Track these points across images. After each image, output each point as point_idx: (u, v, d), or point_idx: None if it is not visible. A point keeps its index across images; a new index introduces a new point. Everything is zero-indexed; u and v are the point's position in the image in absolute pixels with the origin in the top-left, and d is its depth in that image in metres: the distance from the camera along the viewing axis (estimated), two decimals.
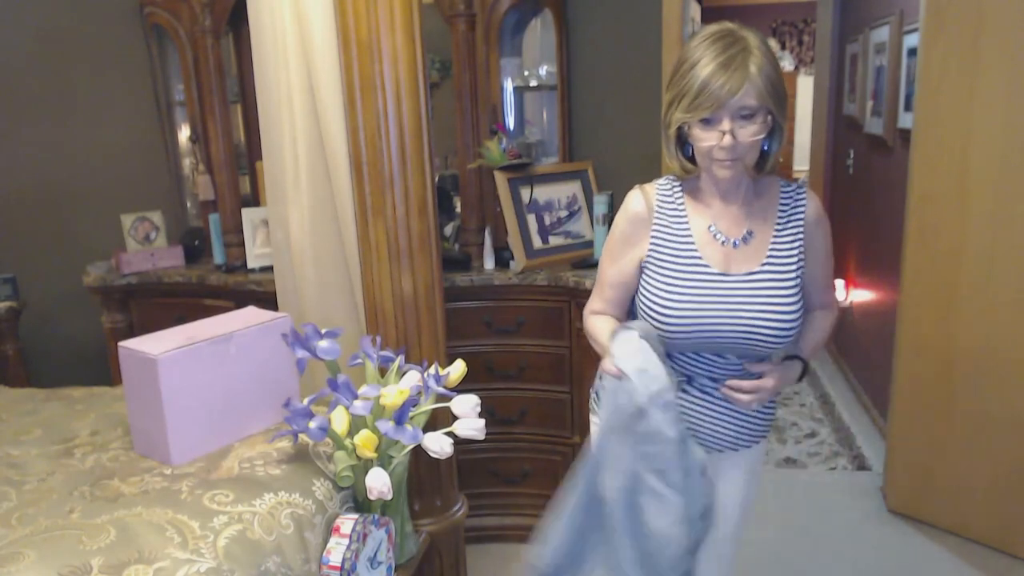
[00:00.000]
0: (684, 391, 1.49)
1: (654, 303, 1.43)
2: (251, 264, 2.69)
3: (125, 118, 2.99)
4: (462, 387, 1.71)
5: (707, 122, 1.33)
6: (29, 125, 2.99)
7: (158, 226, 2.89)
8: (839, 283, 4.23)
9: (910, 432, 2.74)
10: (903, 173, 2.83)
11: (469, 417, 1.66)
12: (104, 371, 2.85)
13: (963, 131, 2.47)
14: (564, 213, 2.65)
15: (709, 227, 1.45)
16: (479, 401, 1.68)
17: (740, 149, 1.33)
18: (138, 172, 3.02)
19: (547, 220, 2.61)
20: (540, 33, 2.75)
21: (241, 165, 2.85)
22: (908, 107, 3.04)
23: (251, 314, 1.86)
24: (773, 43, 7.83)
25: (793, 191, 1.48)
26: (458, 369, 1.72)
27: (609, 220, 2.67)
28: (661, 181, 1.52)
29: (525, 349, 2.55)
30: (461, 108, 2.55)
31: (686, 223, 1.46)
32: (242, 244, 2.73)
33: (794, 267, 1.43)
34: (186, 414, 1.63)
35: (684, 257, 1.44)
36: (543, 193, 2.62)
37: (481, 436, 1.67)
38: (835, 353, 4.38)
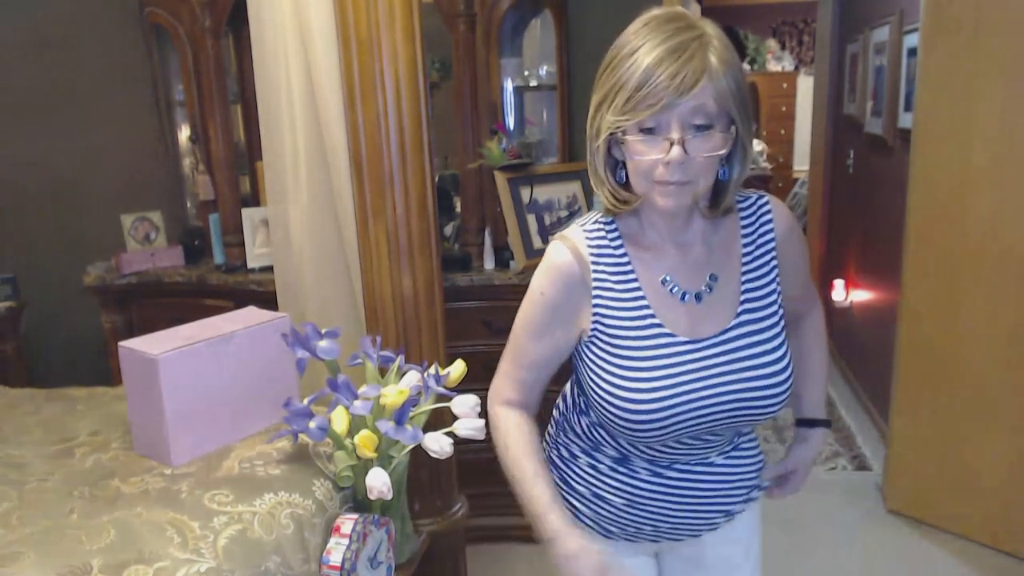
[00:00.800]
0: (654, 476, 1.18)
1: (613, 395, 1.09)
2: (251, 264, 2.69)
3: (125, 118, 2.99)
4: (462, 387, 1.71)
5: (649, 131, 0.99)
6: (29, 125, 2.99)
7: (158, 226, 2.88)
8: (838, 283, 4.23)
9: (910, 432, 2.74)
10: (903, 173, 2.83)
11: (469, 417, 1.66)
12: (104, 371, 2.85)
13: (963, 131, 2.47)
14: (564, 213, 2.65)
15: (662, 280, 1.11)
16: (479, 401, 1.68)
17: (692, 169, 0.99)
18: (138, 172, 3.02)
19: (547, 220, 2.61)
20: (540, 33, 2.75)
21: (241, 165, 2.85)
22: (908, 107, 3.04)
23: (251, 314, 1.86)
24: (773, 43, 7.82)
25: (753, 206, 1.15)
26: (458, 369, 1.72)
27: None
28: (586, 226, 1.14)
29: None
30: (461, 108, 2.55)
31: (633, 278, 1.11)
32: (242, 244, 2.73)
33: (774, 307, 1.12)
34: (186, 414, 1.63)
35: (639, 327, 1.10)
36: (543, 193, 2.62)
37: (481, 436, 1.67)
38: (835, 353, 4.38)
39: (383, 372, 1.70)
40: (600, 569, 1.10)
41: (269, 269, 2.57)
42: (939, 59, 2.52)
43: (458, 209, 2.72)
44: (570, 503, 1.28)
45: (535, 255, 2.54)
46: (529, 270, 2.49)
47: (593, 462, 1.23)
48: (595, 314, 1.12)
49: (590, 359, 1.13)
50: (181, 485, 1.53)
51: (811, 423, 1.32)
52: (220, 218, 2.76)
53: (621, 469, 1.20)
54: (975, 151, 2.45)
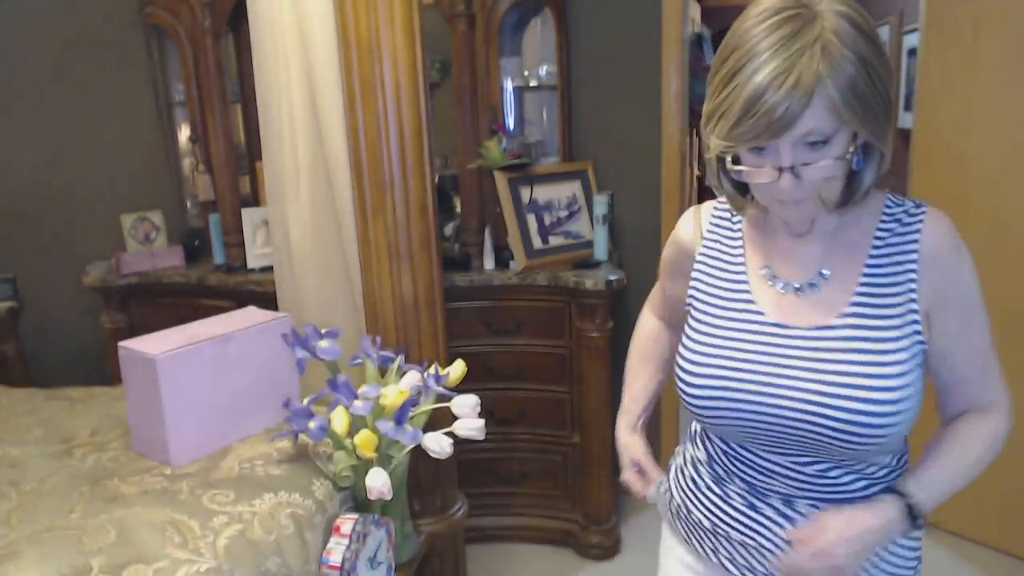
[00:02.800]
0: (750, 510, 1.06)
1: (682, 357, 1.06)
2: (251, 264, 2.69)
3: (125, 118, 2.99)
4: (462, 387, 1.71)
5: (759, 150, 0.91)
6: (29, 125, 2.98)
7: (158, 226, 2.88)
8: None
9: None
10: (903, 173, 2.83)
11: (469, 417, 1.66)
12: (104, 371, 2.85)
13: (963, 131, 2.47)
14: (564, 213, 2.65)
15: (762, 268, 1.05)
16: (479, 401, 1.68)
17: (809, 187, 0.91)
18: (138, 172, 3.01)
19: (547, 220, 2.61)
20: (540, 33, 2.75)
21: (241, 165, 2.85)
22: (908, 107, 3.04)
23: (251, 314, 1.86)
24: None
25: (902, 212, 1.00)
26: (458, 369, 1.72)
27: (609, 220, 2.67)
28: (721, 198, 1.11)
29: (525, 349, 2.55)
30: (461, 108, 2.55)
31: (741, 259, 1.07)
32: (242, 244, 2.73)
33: (898, 324, 0.95)
34: (186, 414, 1.63)
35: (731, 299, 1.05)
36: (543, 193, 2.61)
37: (481, 436, 1.67)
38: None
39: (383, 372, 1.70)
40: (635, 463, 1.19)
41: (269, 269, 2.57)
42: (939, 59, 2.52)
43: (458, 209, 2.71)
44: (677, 496, 1.21)
45: (535, 255, 2.54)
46: (529, 270, 2.49)
47: (700, 468, 1.16)
48: (692, 283, 1.11)
49: (684, 331, 1.11)
50: (181, 485, 1.53)
51: (894, 495, 1.01)
52: (220, 218, 2.76)
53: (720, 484, 1.12)
54: (975, 151, 2.45)
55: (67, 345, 3.10)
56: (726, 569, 1.13)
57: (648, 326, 1.32)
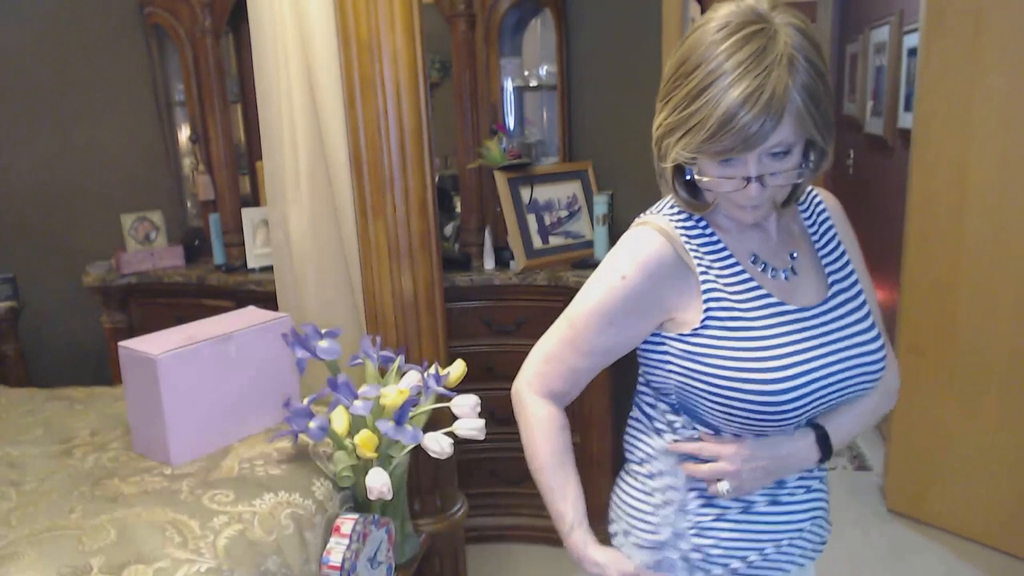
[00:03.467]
0: (775, 504, 1.11)
1: (743, 379, 1.01)
2: (251, 264, 2.69)
3: (125, 118, 2.99)
4: (462, 387, 1.71)
5: (725, 162, 0.96)
6: (29, 125, 2.98)
7: (158, 226, 2.88)
8: None
9: (910, 432, 2.74)
10: (903, 173, 2.83)
11: (469, 417, 1.66)
12: (104, 371, 2.85)
13: (963, 131, 2.47)
14: (564, 213, 2.65)
15: (751, 259, 1.07)
16: (479, 401, 1.68)
17: (768, 194, 0.98)
18: (138, 172, 3.02)
19: (547, 220, 2.61)
20: (540, 33, 2.75)
21: (241, 165, 2.85)
22: (908, 107, 3.04)
23: (251, 314, 1.86)
24: None
25: (804, 196, 1.15)
26: (458, 369, 1.72)
27: (610, 220, 2.67)
28: (664, 209, 1.10)
29: (525, 349, 2.51)
30: (461, 108, 2.55)
31: (728, 254, 1.07)
32: (242, 244, 2.73)
33: (858, 285, 1.11)
34: (186, 414, 1.63)
35: (751, 299, 1.04)
36: (543, 193, 2.62)
37: (481, 436, 1.67)
38: None
39: (383, 372, 1.70)
40: None
41: (269, 269, 2.57)
42: (939, 59, 2.52)
43: (458, 209, 2.71)
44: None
45: (535, 255, 2.54)
46: (529, 270, 2.49)
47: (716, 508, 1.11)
48: (707, 299, 1.03)
49: (702, 349, 1.03)
50: (181, 485, 1.53)
51: (815, 427, 1.09)
52: (220, 218, 2.76)
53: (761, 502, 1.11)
54: (975, 151, 2.45)
55: (67, 345, 3.10)
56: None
57: (546, 413, 1.19)
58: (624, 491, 1.21)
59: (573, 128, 2.76)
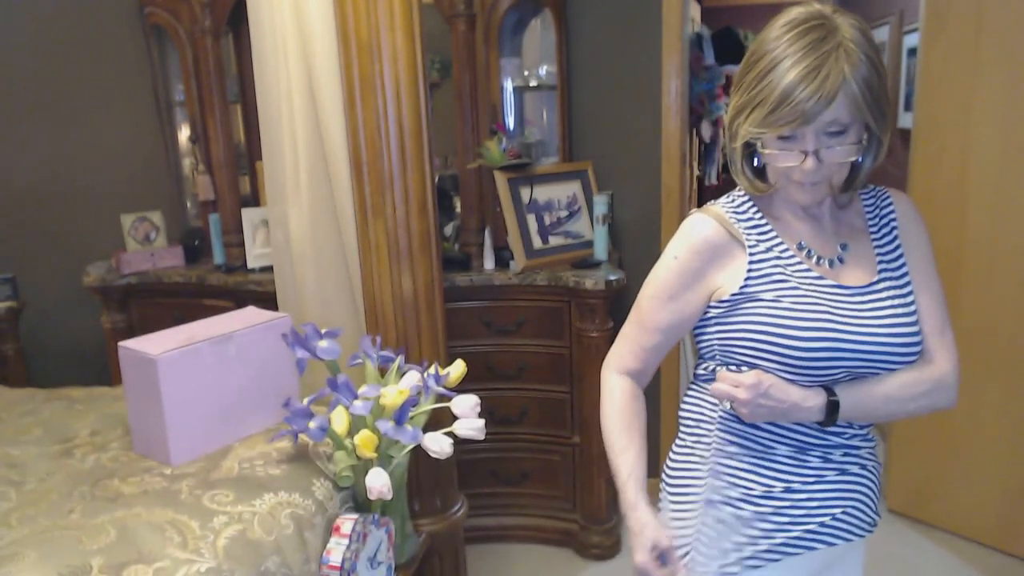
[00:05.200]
0: (797, 466, 1.19)
1: (781, 327, 1.13)
2: (251, 264, 2.69)
3: (125, 118, 2.99)
4: (462, 387, 1.71)
5: (786, 138, 1.08)
6: (29, 125, 2.98)
7: (158, 226, 2.88)
8: None
9: (910, 432, 2.74)
10: (903, 173, 2.83)
11: (469, 417, 1.66)
12: (104, 371, 2.85)
13: (963, 131, 2.47)
14: (564, 213, 2.65)
15: (799, 245, 1.19)
16: (479, 401, 1.68)
17: (825, 171, 1.09)
18: (138, 172, 3.01)
19: (547, 220, 2.61)
20: (540, 33, 2.75)
21: (241, 165, 2.85)
22: (908, 107, 3.04)
23: (251, 314, 1.86)
24: None
25: (874, 195, 1.24)
26: (458, 369, 1.72)
27: (610, 220, 2.67)
28: (725, 201, 1.24)
29: (525, 349, 2.55)
30: (461, 108, 2.55)
31: (776, 237, 1.19)
32: (242, 244, 2.73)
33: (907, 280, 1.19)
34: (186, 414, 1.63)
35: (794, 273, 1.16)
36: (543, 193, 2.62)
37: (481, 436, 1.67)
38: None
39: (383, 372, 1.70)
40: (654, 547, 1.16)
41: (269, 269, 2.57)
42: (939, 59, 2.52)
43: (458, 209, 2.71)
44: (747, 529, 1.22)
45: (535, 255, 2.54)
46: (529, 270, 2.49)
47: (734, 456, 1.21)
48: (750, 269, 1.17)
49: (741, 307, 1.16)
50: (181, 485, 1.53)
51: (829, 392, 1.14)
52: (220, 218, 2.76)
53: (764, 460, 1.20)
54: (975, 151, 2.45)
55: (67, 345, 3.10)
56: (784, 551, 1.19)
57: (618, 384, 1.27)
58: (672, 452, 1.32)
59: (573, 128, 2.76)
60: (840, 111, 1.04)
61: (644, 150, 2.73)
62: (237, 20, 2.62)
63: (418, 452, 1.63)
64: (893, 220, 1.22)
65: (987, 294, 2.47)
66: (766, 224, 1.20)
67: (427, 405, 1.65)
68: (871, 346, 1.13)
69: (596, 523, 2.60)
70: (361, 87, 1.72)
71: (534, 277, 2.47)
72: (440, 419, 1.69)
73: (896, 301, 1.17)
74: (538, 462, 2.64)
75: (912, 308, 1.18)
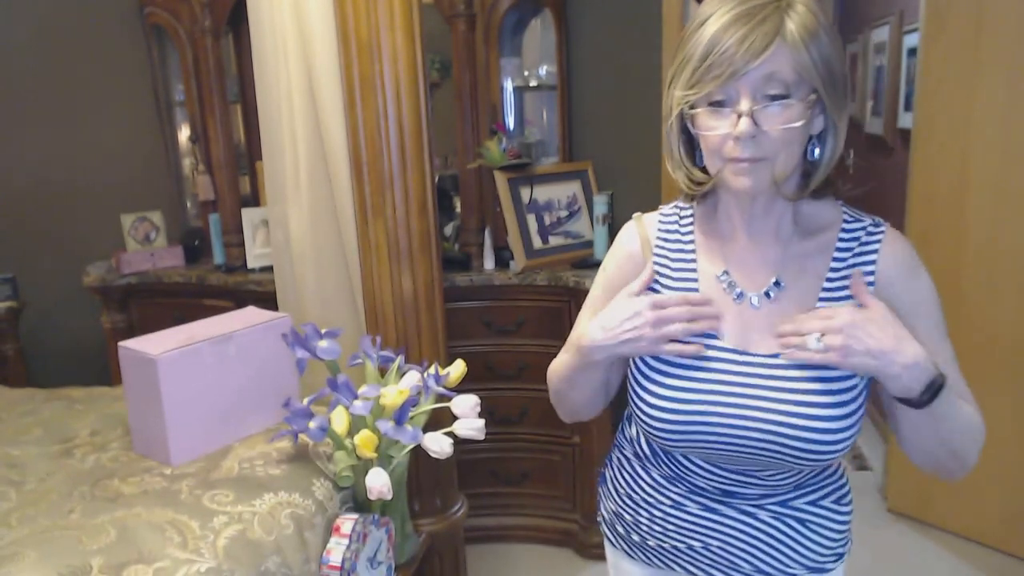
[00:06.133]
0: (685, 504, 1.08)
1: (635, 388, 1.03)
2: (251, 264, 2.69)
3: (125, 118, 2.99)
4: (462, 387, 1.71)
5: (718, 104, 0.90)
6: (29, 125, 2.98)
7: (158, 226, 2.88)
8: None
9: None
10: (903, 173, 2.83)
11: (469, 417, 1.66)
12: (104, 371, 2.85)
13: (963, 131, 2.47)
14: (564, 213, 2.65)
15: (720, 274, 1.01)
16: (479, 401, 1.68)
17: (766, 144, 0.89)
18: (138, 172, 3.01)
19: (547, 220, 2.61)
20: (540, 33, 2.75)
21: (241, 165, 2.85)
22: (908, 107, 3.04)
23: (251, 314, 1.86)
24: None
25: (861, 230, 0.98)
26: (458, 369, 1.72)
27: (610, 220, 2.67)
28: (665, 209, 1.10)
29: (525, 349, 2.55)
30: (461, 108, 2.55)
31: (692, 268, 1.03)
32: (242, 244, 2.73)
33: None
34: (186, 414, 1.63)
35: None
36: (543, 193, 2.61)
37: (481, 436, 1.67)
38: None
39: (383, 372, 1.70)
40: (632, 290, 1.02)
41: (269, 269, 2.57)
42: (939, 59, 2.52)
43: (458, 209, 2.71)
44: (613, 506, 1.22)
45: (535, 255, 2.54)
46: (529, 270, 2.49)
47: (641, 472, 1.16)
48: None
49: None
50: (181, 485, 1.53)
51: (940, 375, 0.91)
52: (220, 218, 2.76)
53: (667, 487, 1.11)
54: (975, 151, 2.45)
55: (67, 345, 3.10)
56: (689, 572, 1.14)
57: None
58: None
59: (573, 128, 2.76)
60: (779, 63, 0.86)
61: (644, 150, 2.72)
62: (237, 20, 2.62)
63: (418, 452, 1.63)
64: (871, 266, 0.96)
65: (987, 294, 2.47)
66: (690, 244, 1.04)
67: (427, 405, 1.65)
68: (756, 436, 0.95)
69: (596, 523, 2.60)
70: (361, 87, 1.72)
71: (534, 277, 2.47)
72: (440, 419, 1.69)
73: (813, 381, 0.93)
74: (538, 462, 2.64)
75: (838, 391, 0.93)
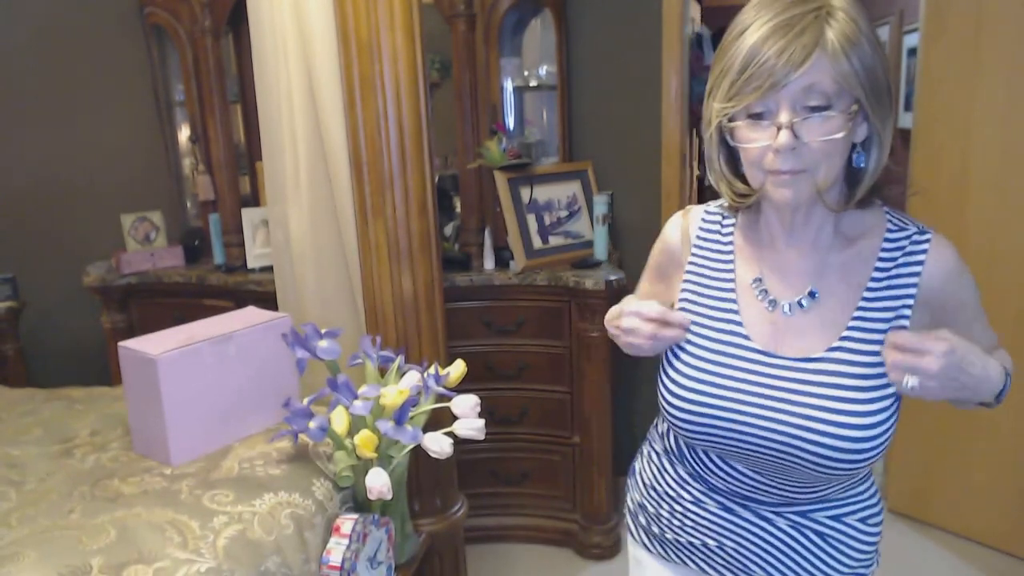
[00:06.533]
0: (705, 502, 1.10)
1: (663, 379, 1.05)
2: (251, 264, 2.69)
3: (125, 118, 2.99)
4: (462, 387, 1.71)
5: (758, 117, 0.89)
6: (29, 125, 2.98)
7: (158, 226, 2.88)
8: None
9: (910, 432, 2.74)
10: (903, 173, 2.83)
11: (469, 417, 1.66)
12: (104, 371, 2.85)
13: (963, 131, 2.47)
14: (564, 213, 2.65)
15: (753, 281, 1.02)
16: (479, 401, 1.68)
17: (807, 156, 0.87)
18: (138, 172, 3.01)
19: (547, 220, 2.61)
20: (540, 33, 2.75)
21: (241, 165, 2.85)
22: (908, 107, 3.04)
23: (251, 314, 1.86)
24: None
25: (907, 238, 0.96)
26: (458, 369, 1.72)
27: (610, 220, 2.67)
28: (712, 207, 1.10)
29: (525, 349, 2.55)
30: (461, 108, 2.55)
31: (731, 271, 1.04)
32: (242, 244, 2.73)
33: (877, 357, 0.93)
34: (186, 414, 1.63)
35: (718, 319, 1.02)
36: (543, 193, 2.62)
37: (481, 436, 1.67)
38: None
39: (383, 372, 1.70)
40: (652, 317, 1.02)
41: (269, 269, 2.57)
42: (939, 59, 2.52)
43: (458, 209, 2.71)
44: (638, 497, 1.23)
45: (535, 255, 2.54)
46: (529, 270, 2.49)
47: (668, 466, 1.17)
48: (682, 294, 1.07)
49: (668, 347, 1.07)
50: (181, 485, 1.53)
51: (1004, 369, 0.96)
52: (220, 218, 2.76)
53: (690, 484, 1.12)
54: (975, 151, 2.45)
55: (67, 345, 3.10)
56: (702, 571, 1.15)
57: None
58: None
59: (573, 128, 2.76)
60: (819, 74, 0.84)
61: (644, 150, 2.73)
62: (237, 20, 2.62)
63: (418, 452, 1.63)
64: (912, 281, 0.94)
65: (987, 294, 2.45)
66: (729, 247, 1.05)
67: (427, 405, 1.65)
68: (778, 439, 0.95)
69: (596, 523, 2.60)
70: (361, 87, 1.72)
71: (534, 277, 2.47)
72: (440, 419, 1.69)
73: (841, 389, 0.93)
74: (538, 462, 2.64)
75: (869, 400, 0.93)
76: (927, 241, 0.96)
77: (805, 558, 1.07)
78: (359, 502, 1.67)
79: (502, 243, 2.58)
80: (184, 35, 2.66)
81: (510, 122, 2.71)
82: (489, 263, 2.56)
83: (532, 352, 2.54)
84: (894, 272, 0.96)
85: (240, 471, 1.59)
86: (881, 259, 0.96)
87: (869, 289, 0.96)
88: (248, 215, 2.67)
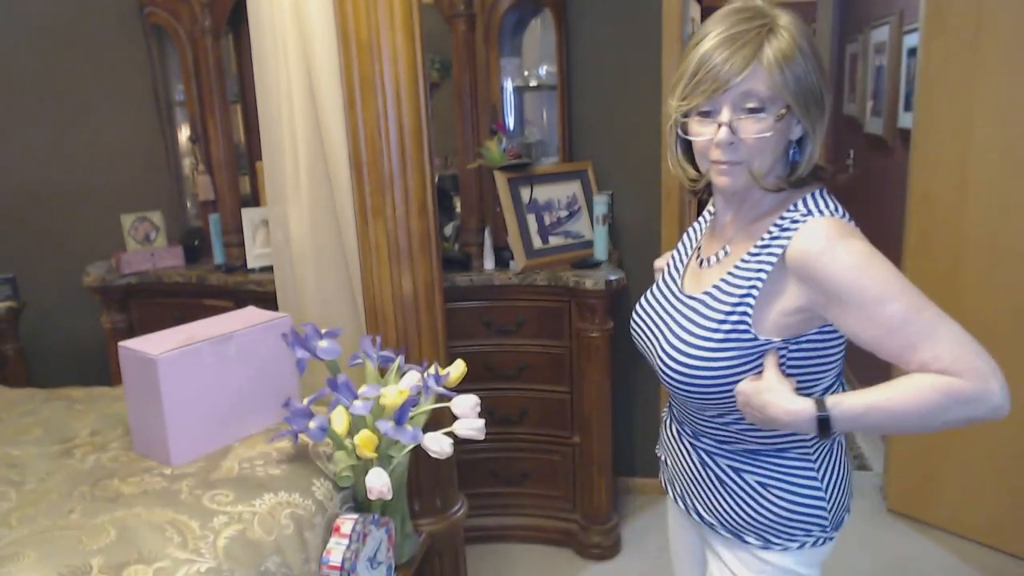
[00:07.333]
0: (670, 422, 1.35)
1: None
2: (251, 264, 2.69)
3: (125, 118, 2.99)
4: (462, 387, 1.71)
5: (705, 114, 1.06)
6: (29, 125, 2.98)
7: (158, 226, 2.88)
8: None
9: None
10: (903, 173, 2.83)
11: (469, 417, 1.66)
12: (104, 371, 2.85)
13: (963, 131, 2.47)
14: (564, 213, 2.65)
15: (699, 247, 1.28)
16: (479, 401, 1.68)
17: (742, 150, 1.05)
18: (138, 172, 3.02)
19: (547, 220, 2.61)
20: (540, 33, 2.75)
21: (241, 165, 2.85)
22: (908, 107, 3.04)
23: (251, 314, 1.86)
24: None
25: (790, 220, 1.08)
26: (458, 369, 1.72)
27: (610, 220, 2.67)
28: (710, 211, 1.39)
29: (525, 349, 2.55)
30: (461, 108, 2.55)
31: (693, 234, 1.34)
32: (242, 244, 2.73)
33: (725, 311, 1.10)
34: (186, 414, 1.63)
35: (671, 272, 1.30)
36: (543, 193, 2.62)
37: (481, 436, 1.67)
38: None
39: (383, 372, 1.70)
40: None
41: (269, 269, 2.57)
42: (939, 59, 2.52)
43: (458, 209, 2.71)
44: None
45: (535, 255, 2.55)
46: (529, 270, 2.49)
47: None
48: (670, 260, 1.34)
49: None
50: (181, 485, 1.53)
51: (819, 403, 1.04)
52: (220, 218, 2.76)
53: (668, 409, 1.38)
54: (975, 151, 2.45)
55: (67, 345, 3.10)
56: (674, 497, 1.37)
57: None
58: None
59: (573, 128, 2.76)
60: (755, 82, 1.02)
61: (644, 150, 2.73)
62: (237, 20, 2.62)
63: (418, 452, 1.63)
64: (769, 265, 1.08)
65: (987, 294, 2.47)
66: (705, 226, 1.31)
67: (427, 405, 1.65)
68: (653, 353, 1.21)
69: (596, 523, 2.60)
70: (361, 87, 1.72)
71: (534, 277, 2.47)
72: (440, 419, 1.69)
73: (692, 318, 1.15)
74: (538, 462, 2.64)
75: (703, 333, 1.11)
76: (803, 222, 1.07)
77: (706, 490, 1.24)
78: (359, 502, 1.67)
79: (502, 243, 2.58)
80: (184, 35, 2.66)
81: (510, 122, 2.71)
82: (489, 263, 2.56)
83: (532, 352, 2.54)
84: (766, 244, 1.10)
85: (240, 471, 1.59)
86: (769, 232, 1.11)
87: (748, 254, 1.12)
88: (248, 215, 2.67)
